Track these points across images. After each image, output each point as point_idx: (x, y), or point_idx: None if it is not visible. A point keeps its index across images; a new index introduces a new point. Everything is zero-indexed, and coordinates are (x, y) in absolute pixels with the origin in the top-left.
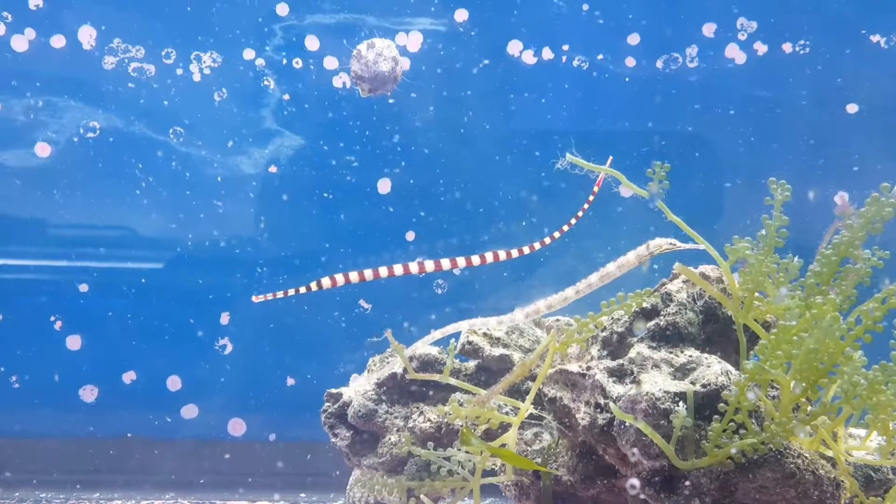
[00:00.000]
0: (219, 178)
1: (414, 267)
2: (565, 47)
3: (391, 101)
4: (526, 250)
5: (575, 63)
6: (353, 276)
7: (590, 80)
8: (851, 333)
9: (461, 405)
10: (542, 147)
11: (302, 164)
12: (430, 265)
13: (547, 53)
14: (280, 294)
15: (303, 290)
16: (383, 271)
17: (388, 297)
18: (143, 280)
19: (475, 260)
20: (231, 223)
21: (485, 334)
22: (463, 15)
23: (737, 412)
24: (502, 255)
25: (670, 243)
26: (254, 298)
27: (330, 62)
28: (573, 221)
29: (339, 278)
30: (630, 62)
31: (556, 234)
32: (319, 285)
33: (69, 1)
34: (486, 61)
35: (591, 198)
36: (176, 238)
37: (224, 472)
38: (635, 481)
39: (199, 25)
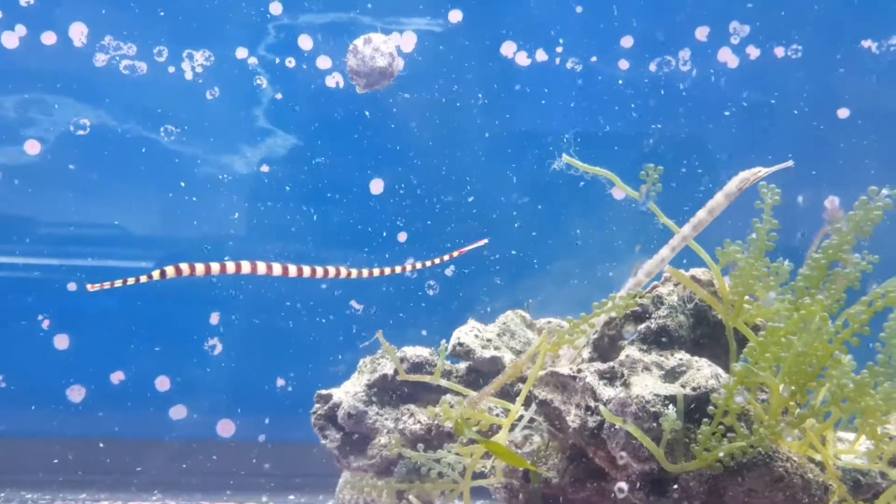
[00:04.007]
0: (210, 177)
1: (262, 267)
2: (559, 49)
3: (390, 101)
4: (387, 271)
5: (569, 65)
6: (200, 268)
7: (584, 81)
8: (839, 336)
9: (452, 407)
10: (537, 148)
11: (294, 164)
12: (277, 268)
13: (541, 55)
14: (118, 283)
15: (143, 279)
16: (230, 267)
17: (379, 298)
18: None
19: (331, 271)
20: (222, 222)
21: (476, 336)
22: (457, 16)
23: (726, 415)
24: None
25: (756, 172)
26: (89, 287)
27: (323, 62)
28: (437, 260)
29: (185, 268)
30: (623, 65)
31: (419, 265)
32: (163, 274)
33: None
34: (480, 62)
35: (465, 249)
36: (166, 237)
37: (212, 473)
38: (623, 485)
39: (192, 23)
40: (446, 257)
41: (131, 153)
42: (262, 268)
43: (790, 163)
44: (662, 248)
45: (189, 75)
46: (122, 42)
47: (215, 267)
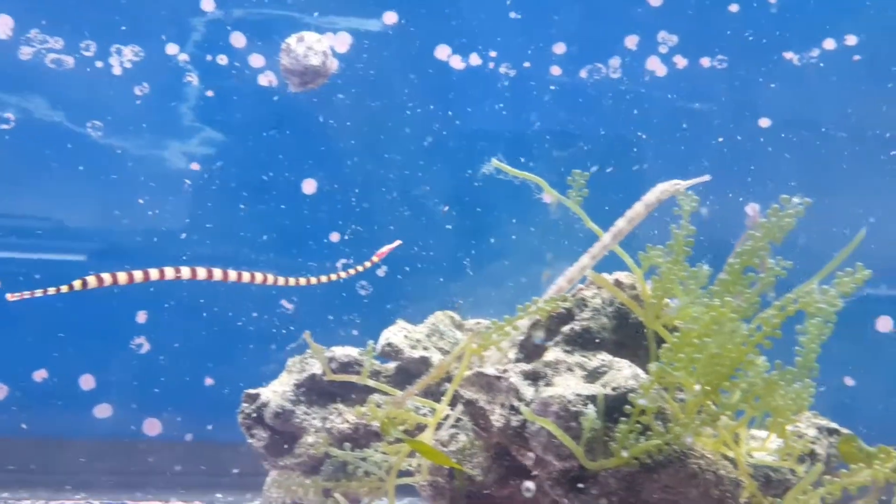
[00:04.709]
0: (138, 173)
1: (186, 272)
2: (493, 54)
3: (315, 100)
4: (292, 281)
5: (502, 70)
6: (122, 277)
7: (516, 86)
8: (752, 339)
9: (379, 406)
10: (469, 150)
11: (225, 162)
12: (201, 272)
13: (475, 59)
14: (39, 293)
15: (64, 288)
16: (154, 273)
17: (310, 297)
18: (57, 275)
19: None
20: (150, 218)
21: (405, 336)
22: (392, 18)
23: (643, 414)
24: (270, 279)
25: (675, 184)
26: (9, 297)
27: (256, 60)
28: (343, 274)
29: (107, 278)
30: (556, 71)
31: (324, 279)
32: (84, 284)
33: None
34: (415, 65)
35: (374, 259)
36: (93, 233)
37: (138, 473)
38: (530, 484)
39: (121, 18)
40: (368, 264)
41: (57, 147)
42: (186, 272)
43: (707, 177)
44: (583, 257)
45: (117, 70)
46: (48, 36)
47: (138, 275)
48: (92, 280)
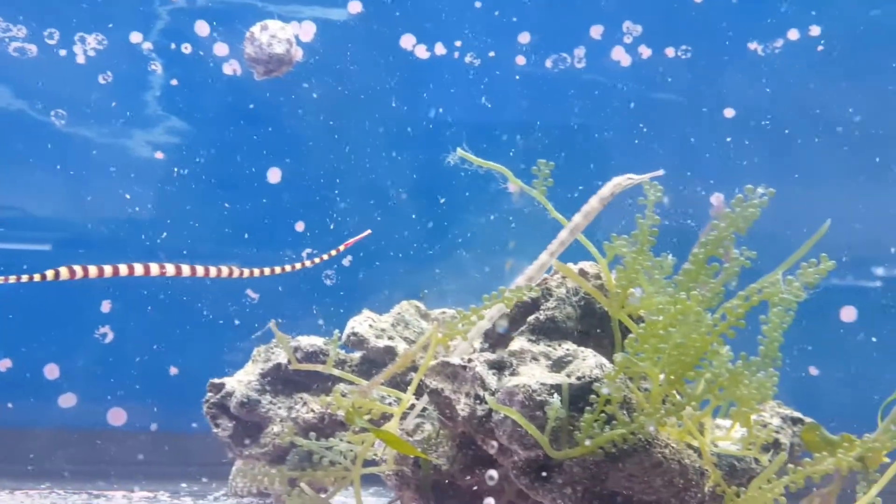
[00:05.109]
0: (103, 163)
1: (155, 267)
2: (458, 43)
3: (289, 90)
4: (258, 272)
5: (467, 59)
6: (93, 270)
7: (481, 75)
8: (717, 329)
9: (344, 396)
10: (434, 140)
11: (189, 151)
12: (186, 269)
13: (440, 49)
14: (12, 279)
15: (37, 277)
16: (123, 269)
17: (276, 287)
18: (24, 266)
19: (212, 271)
20: (115, 208)
21: (371, 326)
22: (357, 7)
23: (608, 403)
24: (235, 271)
25: (629, 178)
26: None
27: (220, 48)
28: (307, 263)
29: (78, 270)
30: (520, 60)
31: (291, 267)
32: (57, 275)
33: None
34: (380, 54)
35: (340, 248)
36: (57, 222)
37: (103, 462)
38: (494, 473)
39: (85, 6)
40: (333, 252)
41: (21, 136)
42: (155, 269)
43: (661, 171)
44: (542, 254)
45: (81, 59)
46: (11, 24)
47: (108, 270)
48: (64, 271)
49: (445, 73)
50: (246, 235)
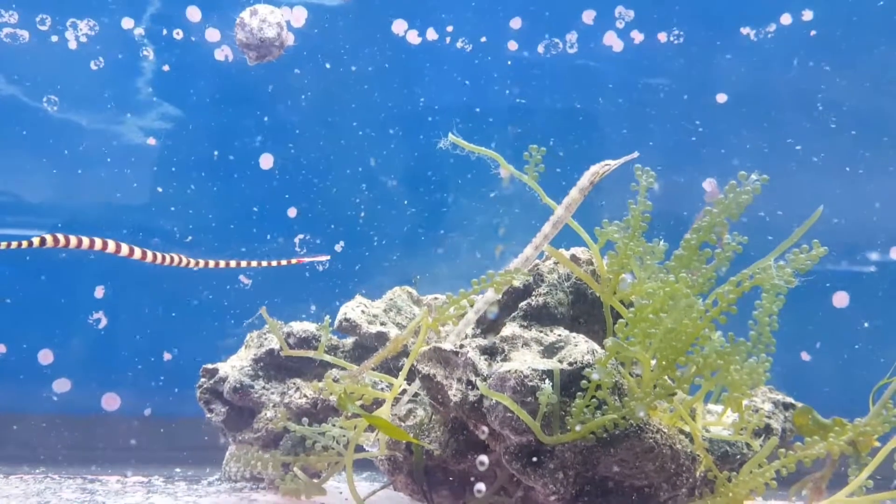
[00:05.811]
0: (95, 148)
1: (136, 252)
2: (449, 28)
3: (281, 76)
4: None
5: (459, 45)
6: (73, 241)
7: (473, 61)
8: (708, 315)
9: (336, 381)
10: (426, 125)
11: (181, 137)
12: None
13: (431, 34)
14: (2, 245)
15: (25, 244)
16: (111, 246)
17: (270, 273)
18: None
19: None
20: (107, 193)
21: (363, 311)
22: None
23: (599, 389)
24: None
25: (605, 165)
26: None
27: (212, 34)
28: (274, 263)
29: (61, 238)
30: (512, 45)
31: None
32: (43, 242)
33: None
34: (372, 39)
35: (292, 260)
36: (51, 207)
37: (97, 448)
38: (484, 458)
39: None
40: (284, 262)
41: (13, 122)
42: (137, 253)
43: (636, 154)
44: (526, 248)
45: (73, 45)
46: (3, 10)
47: (88, 241)
48: (49, 239)
49: (437, 58)
50: (238, 222)
